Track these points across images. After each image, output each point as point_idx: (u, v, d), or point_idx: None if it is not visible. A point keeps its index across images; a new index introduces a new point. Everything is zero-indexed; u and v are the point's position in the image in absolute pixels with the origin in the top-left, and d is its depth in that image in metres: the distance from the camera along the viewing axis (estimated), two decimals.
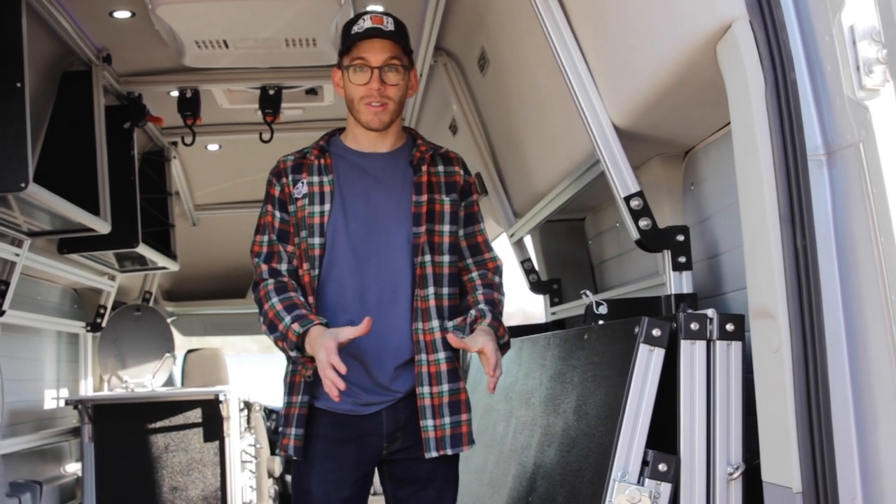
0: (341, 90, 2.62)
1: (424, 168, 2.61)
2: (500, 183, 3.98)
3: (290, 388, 2.56)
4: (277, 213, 2.58)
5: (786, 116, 1.75)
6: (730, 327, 2.02)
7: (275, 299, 2.47)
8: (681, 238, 2.45)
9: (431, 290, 2.51)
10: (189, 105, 4.40)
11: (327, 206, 2.53)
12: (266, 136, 4.60)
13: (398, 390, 2.51)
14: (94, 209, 3.83)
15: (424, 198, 2.57)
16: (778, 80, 1.77)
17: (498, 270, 2.68)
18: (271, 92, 4.37)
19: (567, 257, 3.98)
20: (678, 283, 2.44)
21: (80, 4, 3.55)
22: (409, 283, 2.50)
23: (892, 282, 1.58)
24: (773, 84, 1.77)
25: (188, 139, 4.78)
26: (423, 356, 2.49)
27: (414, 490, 2.55)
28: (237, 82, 4.36)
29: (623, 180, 2.48)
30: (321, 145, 2.63)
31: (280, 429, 2.59)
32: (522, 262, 3.94)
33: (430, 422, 2.47)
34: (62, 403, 4.94)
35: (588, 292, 2.44)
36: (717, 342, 2.01)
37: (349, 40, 2.54)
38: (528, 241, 4.08)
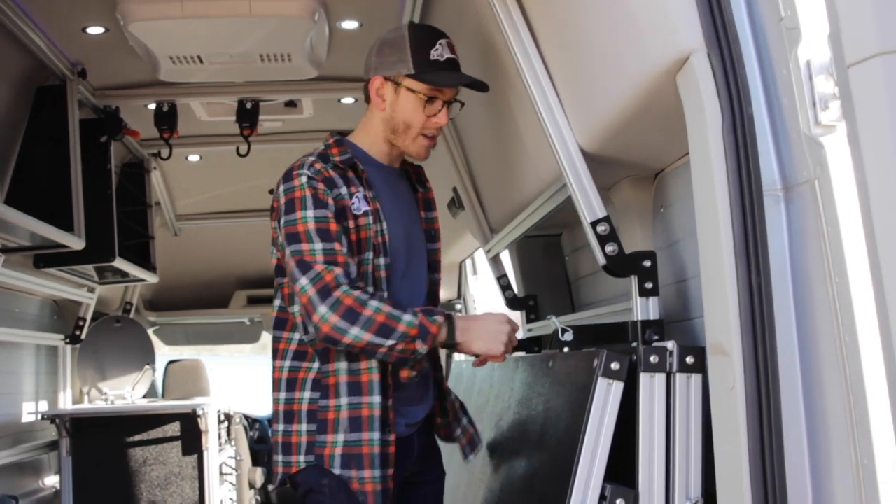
0: (382, 103, 2.40)
1: (429, 184, 2.63)
2: (477, 198, 3.95)
3: (357, 424, 2.28)
4: (337, 223, 2.28)
5: (742, 151, 1.74)
6: (690, 360, 2.00)
7: (375, 302, 2.19)
8: (647, 263, 2.43)
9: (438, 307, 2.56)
10: (165, 119, 4.37)
11: (385, 224, 2.39)
12: (243, 149, 4.57)
13: (420, 413, 2.50)
14: (68, 224, 3.81)
15: (435, 214, 2.60)
16: (735, 113, 1.75)
17: None
18: (248, 105, 4.34)
19: (544, 273, 3.96)
20: (645, 310, 2.41)
21: (51, 20, 3.52)
22: (426, 301, 2.53)
23: (846, 323, 1.56)
24: (731, 118, 1.76)
25: (165, 152, 4.75)
26: (441, 371, 2.62)
27: None
28: (214, 96, 4.34)
29: (590, 205, 2.46)
30: (348, 155, 2.39)
31: (340, 472, 2.27)
32: (499, 278, 3.91)
33: (464, 420, 2.63)
34: (39, 417, 4.91)
35: (554, 317, 2.42)
36: (677, 375, 2.00)
37: (427, 66, 2.35)
38: (505, 257, 4.06)
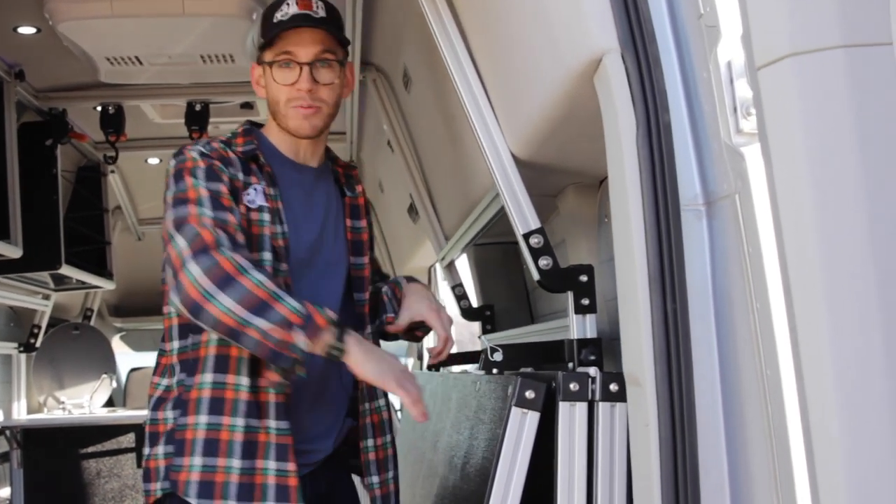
0: (262, 90, 2.15)
1: (360, 189, 2.33)
2: (431, 205, 3.80)
3: (214, 447, 1.95)
4: (231, 201, 1.98)
5: (658, 162, 1.57)
6: (613, 387, 1.84)
7: (259, 275, 1.84)
8: (584, 279, 2.26)
9: (369, 328, 2.25)
10: (111, 121, 4.19)
11: (286, 227, 2.09)
12: None
13: (320, 449, 2.16)
14: (5, 232, 3.66)
15: (363, 223, 2.30)
16: (651, 121, 1.59)
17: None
18: (198, 108, 4.16)
19: (502, 282, 3.80)
20: (581, 328, 2.24)
21: None
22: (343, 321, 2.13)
23: (767, 355, 1.40)
24: (646, 126, 1.59)
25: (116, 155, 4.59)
26: (367, 404, 2.22)
27: None
28: (162, 98, 4.17)
29: (522, 215, 2.29)
30: (252, 146, 2.12)
31: (197, 501, 1.95)
32: (453, 288, 3.75)
33: (375, 478, 2.22)
34: None
35: (483, 336, 2.26)
36: (600, 404, 1.84)
37: (271, 30, 2.09)
38: (464, 265, 3.91)
